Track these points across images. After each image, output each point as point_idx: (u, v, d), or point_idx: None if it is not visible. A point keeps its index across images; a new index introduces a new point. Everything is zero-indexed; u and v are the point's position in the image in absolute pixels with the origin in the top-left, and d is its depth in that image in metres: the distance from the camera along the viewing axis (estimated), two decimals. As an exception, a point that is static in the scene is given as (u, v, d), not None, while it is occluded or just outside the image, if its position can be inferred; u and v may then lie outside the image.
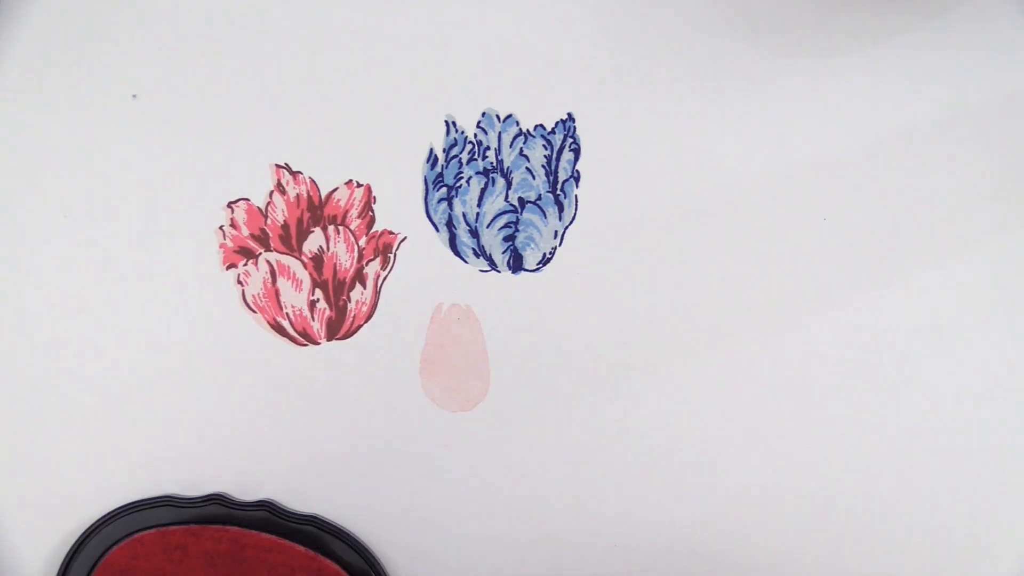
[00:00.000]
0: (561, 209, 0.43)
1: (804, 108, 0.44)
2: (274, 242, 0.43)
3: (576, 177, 0.43)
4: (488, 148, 0.43)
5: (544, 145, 0.43)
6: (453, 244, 0.43)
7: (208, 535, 0.45)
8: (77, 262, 0.43)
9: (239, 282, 0.43)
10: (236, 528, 0.45)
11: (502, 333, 0.43)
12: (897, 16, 0.44)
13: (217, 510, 0.45)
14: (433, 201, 0.43)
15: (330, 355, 0.43)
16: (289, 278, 0.43)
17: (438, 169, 0.43)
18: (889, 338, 0.43)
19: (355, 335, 0.43)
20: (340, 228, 0.43)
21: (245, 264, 0.43)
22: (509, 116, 0.43)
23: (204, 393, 0.44)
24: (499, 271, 0.43)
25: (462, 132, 0.43)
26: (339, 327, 0.43)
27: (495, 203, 0.43)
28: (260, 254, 0.43)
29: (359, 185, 0.43)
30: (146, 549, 0.45)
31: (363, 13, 0.44)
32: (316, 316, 0.43)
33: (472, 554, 0.42)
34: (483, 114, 0.43)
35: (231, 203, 0.43)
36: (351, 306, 0.43)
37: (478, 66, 0.43)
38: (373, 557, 0.44)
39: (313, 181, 0.43)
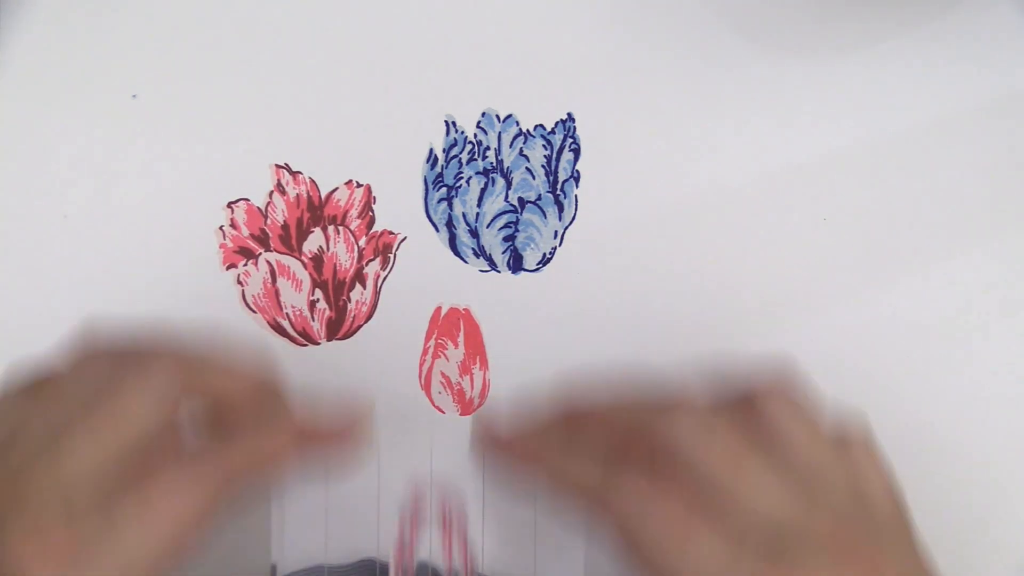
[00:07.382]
0: (561, 209, 0.43)
1: (804, 108, 0.44)
2: (274, 242, 0.43)
3: (576, 177, 0.43)
4: (488, 148, 0.43)
5: (544, 145, 0.43)
6: (453, 244, 0.43)
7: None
8: (77, 262, 0.43)
9: (239, 282, 0.43)
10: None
11: (502, 333, 0.43)
12: (897, 16, 0.44)
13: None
14: (433, 201, 0.43)
15: (330, 355, 0.43)
16: (289, 278, 0.43)
17: (438, 169, 0.43)
18: (889, 338, 0.43)
19: (355, 335, 0.43)
20: (340, 228, 0.43)
21: (245, 264, 0.43)
22: (509, 116, 0.43)
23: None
24: (499, 271, 0.43)
25: (462, 132, 0.43)
26: (339, 327, 0.43)
27: (495, 203, 0.43)
28: (260, 254, 0.43)
29: (359, 185, 0.43)
30: None
31: (363, 13, 0.44)
32: (316, 316, 0.43)
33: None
34: (483, 114, 0.43)
35: (231, 203, 0.43)
36: (351, 306, 0.43)
37: (478, 66, 0.43)
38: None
39: (313, 181, 0.43)
